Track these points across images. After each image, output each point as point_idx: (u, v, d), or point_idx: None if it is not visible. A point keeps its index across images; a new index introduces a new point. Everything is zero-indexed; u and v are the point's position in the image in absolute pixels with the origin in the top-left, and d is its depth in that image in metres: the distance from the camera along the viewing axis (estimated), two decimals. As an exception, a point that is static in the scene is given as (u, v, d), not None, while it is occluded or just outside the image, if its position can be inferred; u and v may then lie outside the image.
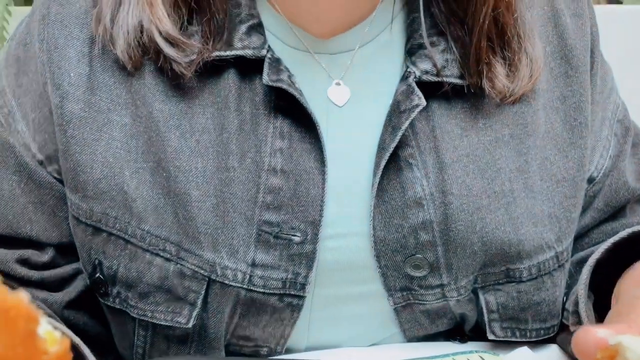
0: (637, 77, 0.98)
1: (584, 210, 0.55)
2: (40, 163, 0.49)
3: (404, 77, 0.48)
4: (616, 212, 0.56)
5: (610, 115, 0.55)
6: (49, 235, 0.50)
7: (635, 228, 0.49)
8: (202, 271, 0.46)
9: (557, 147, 0.51)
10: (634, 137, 0.57)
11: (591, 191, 0.54)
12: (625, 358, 0.30)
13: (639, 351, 0.30)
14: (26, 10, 0.59)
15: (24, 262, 0.49)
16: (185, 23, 0.46)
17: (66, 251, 0.51)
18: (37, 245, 0.50)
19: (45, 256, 0.50)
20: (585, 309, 0.46)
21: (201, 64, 0.45)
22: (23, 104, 0.49)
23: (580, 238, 0.56)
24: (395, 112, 0.47)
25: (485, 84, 0.47)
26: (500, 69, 0.48)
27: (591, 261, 0.47)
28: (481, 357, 0.48)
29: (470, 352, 0.50)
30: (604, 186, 0.55)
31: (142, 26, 0.45)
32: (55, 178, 0.49)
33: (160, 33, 0.44)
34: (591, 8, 0.55)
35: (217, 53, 0.45)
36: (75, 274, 0.51)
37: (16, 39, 0.51)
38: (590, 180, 0.54)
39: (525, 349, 0.49)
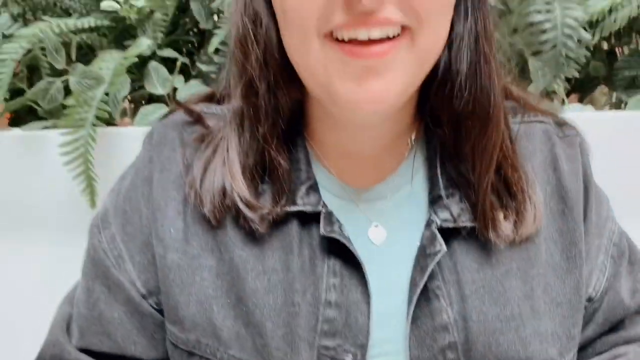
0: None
1: (587, 324, 0.64)
2: (143, 296, 0.60)
3: (428, 224, 0.58)
4: (615, 326, 0.65)
5: (606, 242, 0.64)
6: (148, 354, 0.61)
7: None
8: None
9: (556, 275, 0.60)
10: (629, 256, 0.66)
11: (591, 308, 0.63)
12: None
13: None
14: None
15: None
16: (259, 184, 0.57)
17: None
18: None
19: None
20: None
21: (271, 220, 0.56)
22: (130, 248, 0.60)
23: (585, 348, 0.65)
24: (423, 255, 0.57)
25: (492, 235, 0.57)
26: (504, 223, 0.57)
27: None
28: None
29: None
30: (602, 304, 0.64)
31: (224, 191, 0.56)
32: (154, 308, 0.60)
33: (241, 199, 0.55)
34: (584, 152, 0.65)
35: (283, 209, 0.56)
36: None
37: (122, 194, 0.62)
38: (590, 299, 0.63)
39: None
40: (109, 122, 1.09)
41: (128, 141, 1.12)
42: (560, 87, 1.20)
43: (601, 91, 1.41)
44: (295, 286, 0.56)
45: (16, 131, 1.18)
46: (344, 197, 0.60)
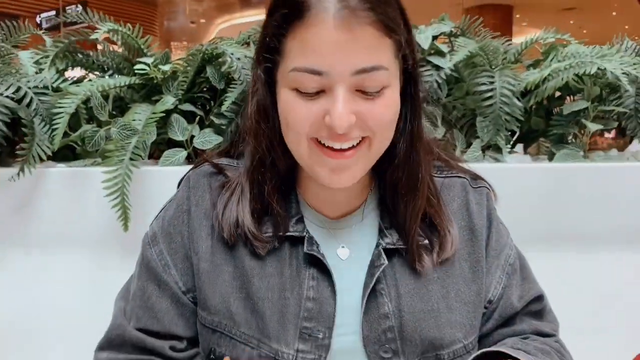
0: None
1: (487, 319, 0.87)
2: (184, 292, 0.83)
3: (377, 245, 0.83)
4: (508, 321, 0.87)
5: (502, 262, 0.87)
6: (185, 332, 0.84)
7: (487, 349, 0.76)
8: (271, 354, 0.78)
9: (465, 283, 0.84)
10: (521, 273, 0.89)
11: (491, 308, 0.87)
12: None
13: None
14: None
15: (172, 348, 0.83)
16: (262, 220, 0.82)
17: (192, 341, 0.84)
18: (179, 338, 0.83)
19: (183, 345, 0.84)
20: None
21: (270, 247, 0.80)
22: (174, 259, 0.83)
23: (486, 337, 0.88)
24: (372, 266, 0.81)
25: (417, 266, 0.81)
26: (426, 258, 0.82)
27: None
28: None
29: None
30: (498, 305, 0.87)
31: (237, 223, 0.80)
32: (190, 301, 0.83)
33: (249, 232, 0.80)
34: (490, 198, 0.88)
35: (280, 235, 0.80)
36: (196, 354, 0.85)
37: (167, 220, 0.85)
38: (490, 302, 0.86)
39: None
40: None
41: (155, 178, 1.38)
42: (502, 140, 1.47)
43: (541, 143, 1.67)
44: (286, 286, 0.79)
45: (62, 167, 1.44)
46: (322, 226, 0.84)
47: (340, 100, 0.70)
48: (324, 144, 0.74)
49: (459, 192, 0.87)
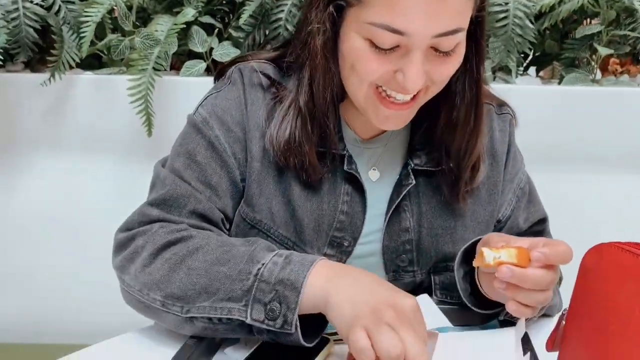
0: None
1: None
2: (240, 180, 0.84)
3: (405, 166, 0.86)
4: None
5: (515, 186, 0.91)
6: (231, 215, 0.84)
7: (466, 245, 0.80)
8: None
9: (482, 205, 0.88)
10: (529, 197, 0.93)
11: (498, 227, 0.91)
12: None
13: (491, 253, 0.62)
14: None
15: (223, 225, 0.83)
16: (310, 137, 0.81)
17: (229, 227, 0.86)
18: (228, 219, 0.84)
19: (227, 225, 0.85)
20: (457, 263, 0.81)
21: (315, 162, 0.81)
22: (232, 147, 0.82)
23: None
24: (399, 185, 0.85)
25: (445, 190, 0.85)
26: (453, 182, 0.84)
27: (461, 250, 0.81)
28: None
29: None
30: (505, 225, 0.91)
31: (289, 140, 0.80)
32: (242, 190, 0.84)
33: (301, 147, 0.80)
34: (511, 125, 0.91)
35: (323, 150, 0.81)
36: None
37: (220, 107, 0.83)
38: (499, 221, 0.91)
39: (425, 296, 0.83)
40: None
41: (176, 88, 1.45)
42: (512, 62, 1.50)
43: (556, 67, 1.69)
44: (324, 199, 0.83)
45: (89, 74, 1.51)
46: (357, 146, 0.86)
47: (417, 63, 0.70)
48: (384, 91, 0.74)
49: (486, 119, 0.87)
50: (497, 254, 0.64)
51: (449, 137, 0.83)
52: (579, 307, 0.60)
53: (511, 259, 0.64)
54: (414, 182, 0.84)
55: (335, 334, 0.72)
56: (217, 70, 0.90)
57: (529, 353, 0.59)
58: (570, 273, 0.74)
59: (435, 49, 0.71)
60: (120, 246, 0.78)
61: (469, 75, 0.79)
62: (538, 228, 0.95)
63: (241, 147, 0.83)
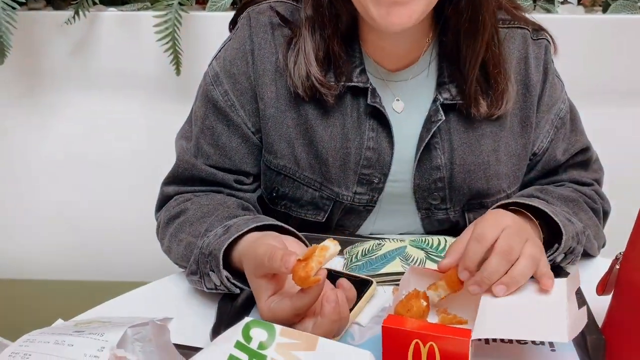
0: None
1: (530, 171, 0.89)
2: (253, 133, 0.84)
3: (434, 101, 0.83)
4: (549, 172, 0.90)
5: (553, 117, 0.87)
6: (252, 169, 0.86)
7: (502, 202, 0.76)
8: (332, 196, 0.84)
9: (514, 138, 0.86)
10: (571, 126, 0.89)
11: (534, 160, 0.88)
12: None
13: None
14: None
15: (238, 182, 0.85)
16: (327, 69, 0.80)
17: (256, 177, 0.88)
18: (246, 174, 0.86)
19: (249, 180, 0.87)
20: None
21: (335, 94, 0.81)
22: (240, 100, 0.83)
23: (525, 187, 0.90)
24: (429, 121, 0.83)
25: (473, 110, 0.82)
26: (482, 104, 0.82)
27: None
28: (445, 239, 0.80)
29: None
30: (542, 158, 0.88)
31: (307, 75, 0.79)
32: (259, 141, 0.85)
33: (317, 79, 0.79)
34: (548, 51, 0.86)
35: (344, 84, 0.80)
36: (257, 188, 0.88)
37: (228, 61, 0.84)
38: (535, 154, 0.88)
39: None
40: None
41: (203, 24, 1.41)
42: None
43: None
44: (348, 136, 0.81)
45: (113, 10, 1.47)
46: (380, 78, 0.83)
47: None
48: None
49: (520, 44, 0.85)
50: (437, 294, 0.63)
51: (456, 48, 0.80)
52: (635, 251, 0.58)
53: (446, 291, 0.63)
54: (443, 117, 0.81)
55: (379, 275, 0.73)
56: (232, 18, 0.89)
57: (584, 306, 0.56)
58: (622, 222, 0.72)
59: None
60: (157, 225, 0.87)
61: None
62: (580, 158, 0.90)
63: (250, 98, 0.83)
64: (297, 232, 0.72)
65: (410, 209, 0.86)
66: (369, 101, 0.81)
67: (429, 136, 0.81)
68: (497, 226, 0.62)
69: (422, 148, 0.82)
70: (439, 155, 0.83)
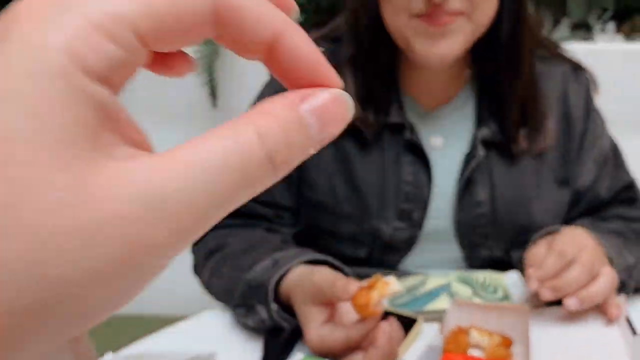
0: None
1: (573, 206, 0.88)
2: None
3: (474, 137, 0.83)
4: (592, 210, 0.88)
5: (596, 153, 0.86)
6: (289, 204, 0.86)
7: (551, 228, 0.78)
8: (372, 230, 0.83)
9: (556, 172, 0.84)
10: (615, 162, 0.88)
11: (578, 198, 0.87)
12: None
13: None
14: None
15: (277, 216, 0.86)
16: (366, 107, 0.81)
17: (294, 212, 0.88)
18: (284, 208, 0.86)
19: (287, 214, 0.87)
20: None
21: (374, 131, 0.82)
22: None
23: (571, 223, 0.87)
24: (469, 156, 0.83)
25: (513, 147, 0.82)
26: (522, 141, 0.82)
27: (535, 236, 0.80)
28: (489, 275, 0.79)
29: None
30: (586, 196, 0.87)
31: None
32: (296, 175, 0.85)
33: (357, 118, 0.80)
34: (589, 89, 0.86)
35: (382, 121, 0.81)
36: (296, 223, 0.88)
37: (268, 97, 0.84)
38: (578, 192, 0.86)
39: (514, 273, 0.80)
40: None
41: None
42: (594, 19, 1.40)
43: (636, 21, 1.57)
44: (387, 171, 0.82)
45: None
46: (418, 115, 0.84)
47: None
48: (422, 16, 0.73)
49: (559, 81, 0.85)
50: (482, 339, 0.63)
51: (495, 87, 0.81)
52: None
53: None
54: (483, 153, 0.81)
55: (425, 312, 0.71)
56: None
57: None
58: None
59: None
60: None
61: (512, 12, 0.77)
62: (625, 195, 0.89)
63: None
64: (344, 267, 0.71)
65: (452, 247, 0.84)
66: (406, 136, 0.81)
67: (470, 171, 0.81)
68: (578, 244, 0.67)
69: (462, 183, 0.81)
70: (480, 190, 0.82)
